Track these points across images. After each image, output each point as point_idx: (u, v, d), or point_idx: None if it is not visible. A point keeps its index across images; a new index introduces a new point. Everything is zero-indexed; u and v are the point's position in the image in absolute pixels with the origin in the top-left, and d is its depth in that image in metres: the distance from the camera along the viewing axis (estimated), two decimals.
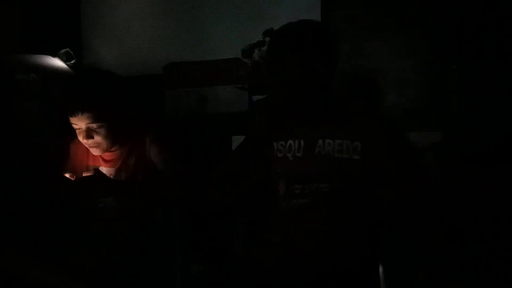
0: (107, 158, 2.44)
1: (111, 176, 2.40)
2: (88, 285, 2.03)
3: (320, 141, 1.99)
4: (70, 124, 2.37)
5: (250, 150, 2.11)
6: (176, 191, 2.28)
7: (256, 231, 2.09)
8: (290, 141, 2.04)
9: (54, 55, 3.10)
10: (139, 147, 2.40)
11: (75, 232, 2.18)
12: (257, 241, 2.03)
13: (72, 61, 3.11)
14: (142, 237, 2.23)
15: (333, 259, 1.89)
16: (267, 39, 2.65)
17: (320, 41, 1.99)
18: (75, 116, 2.29)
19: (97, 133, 2.32)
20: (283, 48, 2.00)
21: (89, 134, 2.31)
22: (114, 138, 2.36)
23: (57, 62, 3.09)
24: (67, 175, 2.32)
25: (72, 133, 2.40)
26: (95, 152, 2.40)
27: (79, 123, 2.31)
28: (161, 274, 2.19)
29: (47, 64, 3.05)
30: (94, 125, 2.30)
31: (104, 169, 2.40)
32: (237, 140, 2.45)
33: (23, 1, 3.25)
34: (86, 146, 2.38)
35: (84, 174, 2.32)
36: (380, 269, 1.93)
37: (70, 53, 3.11)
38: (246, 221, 2.17)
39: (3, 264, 2.00)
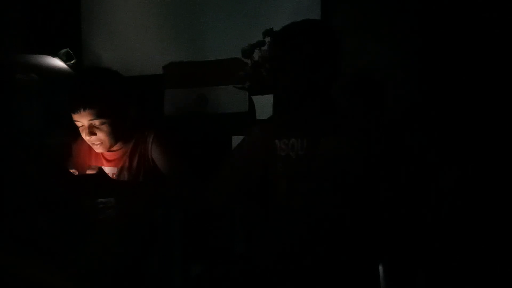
0: (109, 158, 2.45)
1: (114, 176, 2.41)
2: (88, 285, 2.03)
3: (323, 140, 2.00)
4: (71, 124, 2.37)
5: (251, 149, 2.12)
6: (176, 191, 2.29)
7: (256, 231, 2.09)
8: (293, 140, 2.04)
9: (54, 55, 3.10)
10: (141, 147, 2.41)
11: (76, 232, 2.18)
12: (257, 241, 2.04)
13: (72, 61, 3.11)
14: (142, 237, 2.23)
15: (333, 259, 1.89)
16: (267, 39, 2.65)
17: (324, 40, 2.00)
18: (77, 113, 2.30)
19: (100, 129, 2.33)
20: (287, 47, 2.01)
21: (91, 131, 2.33)
22: (116, 135, 2.37)
23: (57, 62, 3.08)
24: (71, 170, 2.33)
25: (74, 132, 2.41)
26: (98, 149, 2.41)
27: (82, 120, 2.32)
28: (161, 274, 2.19)
29: (47, 64, 3.05)
30: (96, 122, 2.31)
31: (106, 169, 2.41)
32: (237, 140, 2.45)
33: (23, 1, 3.25)
34: (89, 143, 2.39)
35: (88, 172, 2.33)
36: (380, 269, 1.93)
37: (70, 53, 3.11)
38: (246, 221, 2.17)
39: (3, 264, 2.00)
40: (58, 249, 2.11)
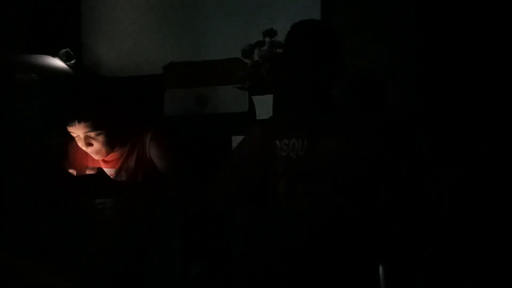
0: (107, 159, 2.44)
1: (112, 177, 2.40)
2: (88, 285, 2.03)
3: (323, 141, 2.00)
4: None
5: (252, 149, 2.12)
6: (176, 191, 2.28)
7: (256, 231, 2.09)
8: (294, 140, 2.04)
9: (54, 55, 3.09)
10: (139, 147, 2.40)
11: (75, 232, 2.18)
12: (257, 241, 2.03)
13: (72, 61, 3.11)
14: (142, 237, 2.23)
15: (334, 259, 1.89)
16: (267, 39, 2.65)
17: (324, 40, 2.00)
18: (72, 126, 2.29)
19: (96, 140, 2.32)
20: (288, 47, 2.02)
21: (88, 141, 2.32)
22: (113, 143, 2.37)
23: (57, 62, 3.08)
24: (70, 171, 2.32)
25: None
26: (95, 157, 2.41)
27: (77, 132, 2.31)
28: (161, 274, 2.19)
29: (47, 64, 3.05)
30: (92, 133, 2.30)
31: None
32: (237, 140, 2.45)
33: (23, 1, 3.25)
34: (87, 152, 2.39)
35: (88, 173, 2.33)
36: (380, 269, 1.93)
37: (70, 53, 3.11)
38: (246, 221, 2.17)
39: (3, 264, 2.00)
40: (58, 249, 2.10)
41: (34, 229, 2.14)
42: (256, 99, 2.77)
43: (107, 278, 2.10)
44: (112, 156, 2.43)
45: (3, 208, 2.21)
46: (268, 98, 2.67)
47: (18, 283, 1.99)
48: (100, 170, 2.30)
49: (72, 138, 2.44)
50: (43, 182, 2.27)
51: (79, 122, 2.27)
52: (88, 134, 2.31)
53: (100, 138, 2.33)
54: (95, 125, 2.29)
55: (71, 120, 2.28)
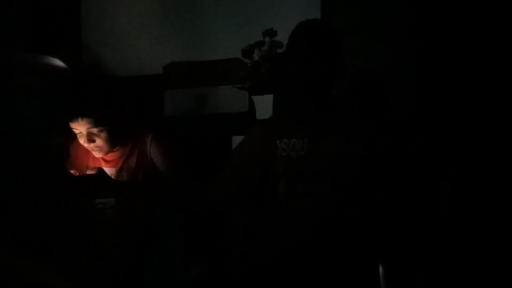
0: (108, 159, 2.45)
1: (113, 176, 2.41)
2: (88, 285, 2.03)
3: (324, 141, 2.00)
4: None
5: (252, 149, 2.12)
6: (176, 191, 2.29)
7: (256, 231, 2.09)
8: (294, 140, 2.04)
9: (54, 55, 3.09)
10: (140, 147, 2.41)
11: (75, 232, 2.18)
12: (257, 241, 2.04)
13: (72, 61, 3.11)
14: (142, 237, 2.23)
15: (334, 259, 1.89)
16: (267, 39, 2.65)
17: (325, 40, 2.01)
18: (75, 122, 2.30)
19: (98, 136, 2.33)
20: (288, 47, 2.02)
21: (90, 138, 2.33)
22: (115, 140, 2.37)
23: (57, 62, 3.08)
24: (71, 171, 2.33)
25: (73, 133, 2.41)
26: (97, 154, 2.41)
27: (80, 128, 2.32)
28: (161, 274, 2.19)
29: (47, 64, 3.05)
30: (94, 130, 2.31)
31: (105, 170, 2.41)
32: (237, 140, 2.45)
33: (23, 1, 3.25)
34: (88, 149, 2.39)
35: (88, 173, 2.33)
36: (380, 269, 1.94)
37: (70, 53, 3.11)
38: (246, 221, 2.17)
39: (3, 264, 2.00)
40: (58, 249, 2.10)
41: (34, 229, 2.14)
42: (256, 99, 2.77)
43: (107, 278, 2.10)
44: (113, 156, 2.44)
45: (3, 208, 2.21)
46: (268, 98, 2.67)
47: (18, 283, 1.99)
48: (100, 170, 2.30)
49: (73, 138, 2.44)
50: (43, 182, 2.27)
51: (82, 118, 2.29)
52: (91, 131, 2.32)
53: (103, 134, 2.33)
54: (97, 121, 2.30)
55: (74, 116, 2.29)
